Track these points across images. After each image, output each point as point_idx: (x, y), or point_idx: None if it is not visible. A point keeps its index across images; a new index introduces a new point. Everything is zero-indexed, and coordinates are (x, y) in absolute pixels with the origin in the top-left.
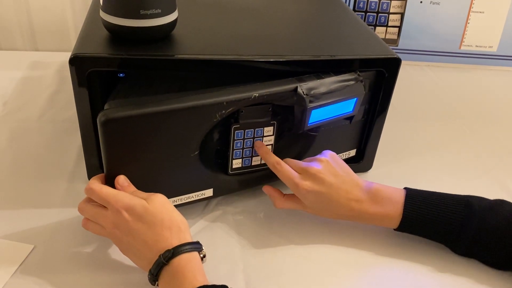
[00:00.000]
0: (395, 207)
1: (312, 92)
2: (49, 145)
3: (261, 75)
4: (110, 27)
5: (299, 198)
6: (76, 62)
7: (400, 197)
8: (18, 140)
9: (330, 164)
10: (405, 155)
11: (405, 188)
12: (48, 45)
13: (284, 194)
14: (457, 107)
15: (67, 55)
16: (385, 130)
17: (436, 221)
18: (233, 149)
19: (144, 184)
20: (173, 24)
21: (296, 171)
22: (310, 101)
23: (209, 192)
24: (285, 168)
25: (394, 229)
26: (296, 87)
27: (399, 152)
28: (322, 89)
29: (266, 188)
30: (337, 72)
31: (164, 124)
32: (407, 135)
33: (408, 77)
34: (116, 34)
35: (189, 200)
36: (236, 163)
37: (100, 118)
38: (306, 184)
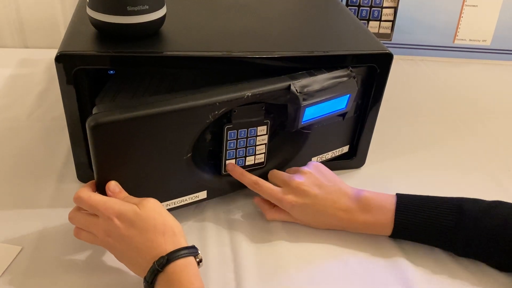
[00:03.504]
0: (386, 215)
1: (305, 89)
2: (38, 144)
3: (253, 72)
4: (97, 24)
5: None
6: (62, 59)
7: (391, 204)
8: (6, 139)
9: (313, 175)
10: (399, 151)
11: (396, 194)
12: (38, 42)
13: (275, 206)
14: (451, 101)
15: None
16: (379, 126)
17: (428, 227)
18: (226, 150)
19: (137, 188)
20: (161, 20)
21: (279, 185)
22: (304, 99)
23: (202, 195)
24: (265, 186)
25: (389, 236)
26: (289, 85)
27: (392, 148)
28: (315, 87)
29: (257, 200)
30: (328, 68)
31: (155, 127)
32: (401, 130)
33: (402, 72)
34: (104, 31)
35: (182, 203)
36: (229, 164)
37: (89, 123)
38: (289, 197)
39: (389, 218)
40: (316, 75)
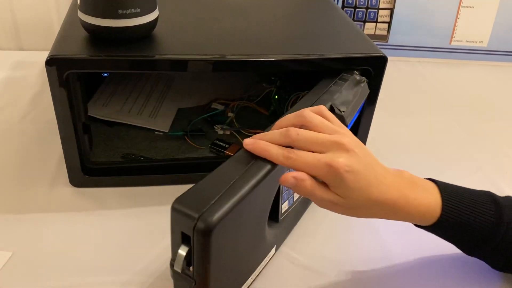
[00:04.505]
0: (434, 197)
1: (345, 107)
2: (31, 147)
3: (247, 75)
4: (88, 27)
5: (333, 190)
6: (53, 63)
7: (434, 187)
8: None
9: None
10: (395, 153)
11: (428, 179)
12: (33, 44)
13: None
14: (448, 103)
15: None
16: (375, 127)
17: (470, 219)
18: (281, 193)
19: (238, 273)
20: (153, 23)
21: (313, 149)
22: (346, 117)
23: (272, 251)
24: (300, 154)
25: (426, 226)
26: (331, 106)
27: (388, 150)
28: (349, 100)
29: (288, 177)
30: (326, 72)
31: (256, 200)
32: (397, 131)
33: (399, 73)
34: (95, 35)
35: (260, 269)
36: (284, 207)
37: (199, 229)
38: (341, 160)
39: (438, 202)
40: (339, 87)
